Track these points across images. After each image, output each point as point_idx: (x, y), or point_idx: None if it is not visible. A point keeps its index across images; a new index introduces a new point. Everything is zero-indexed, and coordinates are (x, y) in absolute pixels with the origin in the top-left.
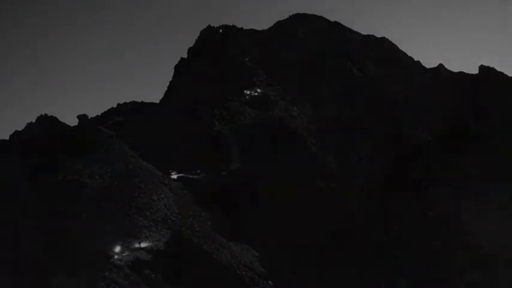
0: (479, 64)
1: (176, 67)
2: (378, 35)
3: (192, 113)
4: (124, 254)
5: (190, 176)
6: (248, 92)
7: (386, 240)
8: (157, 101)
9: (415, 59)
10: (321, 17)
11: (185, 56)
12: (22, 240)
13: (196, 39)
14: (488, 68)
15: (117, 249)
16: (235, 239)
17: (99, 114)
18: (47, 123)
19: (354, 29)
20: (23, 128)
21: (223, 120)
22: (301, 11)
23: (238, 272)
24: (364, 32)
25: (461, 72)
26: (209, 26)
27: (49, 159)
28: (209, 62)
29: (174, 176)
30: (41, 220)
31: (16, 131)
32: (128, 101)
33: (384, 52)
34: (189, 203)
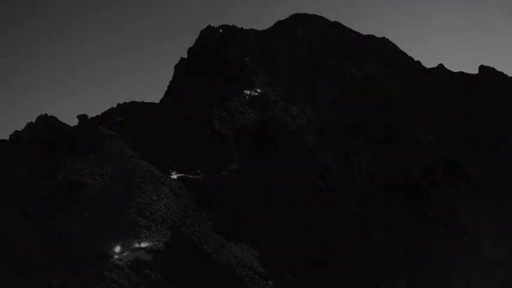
0: (479, 64)
1: (176, 67)
2: (378, 35)
3: (192, 113)
4: (124, 254)
5: (190, 176)
6: (248, 92)
7: (386, 240)
8: (157, 101)
9: (415, 59)
10: (321, 17)
11: (185, 56)
12: (22, 240)
13: (196, 39)
14: (488, 68)
15: (117, 249)
16: (235, 239)
17: (99, 114)
18: (47, 123)
19: (354, 29)
20: (23, 128)
21: (223, 120)
22: (301, 11)
23: (238, 272)
24: (364, 32)
25: (461, 72)
26: (209, 26)
27: (49, 159)
28: (209, 62)
29: (174, 176)
30: (41, 220)
31: (16, 131)
32: (127, 101)
33: (383, 52)
34: (189, 203)
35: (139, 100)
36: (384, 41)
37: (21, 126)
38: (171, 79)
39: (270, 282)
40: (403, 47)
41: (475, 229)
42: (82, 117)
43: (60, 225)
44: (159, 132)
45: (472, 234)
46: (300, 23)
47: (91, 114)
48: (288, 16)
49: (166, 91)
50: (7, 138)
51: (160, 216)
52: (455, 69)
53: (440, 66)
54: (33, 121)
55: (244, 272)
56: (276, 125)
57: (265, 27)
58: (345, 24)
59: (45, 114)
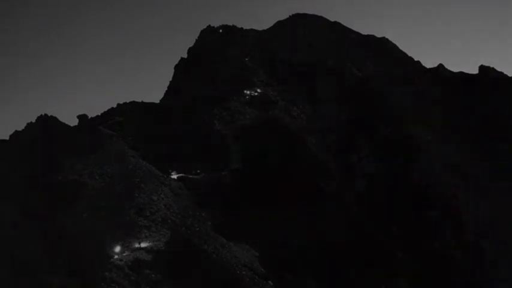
0: (479, 64)
1: (176, 67)
2: (378, 35)
3: (192, 113)
4: (124, 254)
5: (190, 176)
6: (248, 92)
7: (386, 240)
8: (158, 101)
9: (415, 59)
10: (321, 17)
11: (185, 56)
12: (22, 240)
13: (196, 39)
14: (488, 68)
15: (117, 249)
16: (235, 239)
17: (99, 114)
18: (47, 123)
19: (354, 29)
20: (23, 128)
21: (223, 120)
22: (301, 11)
23: (238, 272)
24: (364, 32)
25: (461, 72)
26: (209, 26)
27: (49, 159)
28: (209, 62)
29: (174, 176)
30: (41, 220)
31: (16, 131)
32: (127, 101)
33: (383, 52)
34: (189, 203)
35: (139, 100)
36: (384, 41)
37: (21, 126)
38: (171, 79)
39: (270, 282)
40: (403, 47)
41: (475, 229)
42: (82, 117)
43: (60, 225)
44: (159, 132)
45: (472, 234)
46: (300, 23)
47: (91, 114)
48: (288, 16)
49: (166, 91)
50: (7, 138)
51: (160, 216)
52: (455, 69)
53: (440, 66)
54: (33, 121)
55: (244, 272)
56: (276, 125)
57: (265, 27)
58: (345, 24)
59: (45, 114)
